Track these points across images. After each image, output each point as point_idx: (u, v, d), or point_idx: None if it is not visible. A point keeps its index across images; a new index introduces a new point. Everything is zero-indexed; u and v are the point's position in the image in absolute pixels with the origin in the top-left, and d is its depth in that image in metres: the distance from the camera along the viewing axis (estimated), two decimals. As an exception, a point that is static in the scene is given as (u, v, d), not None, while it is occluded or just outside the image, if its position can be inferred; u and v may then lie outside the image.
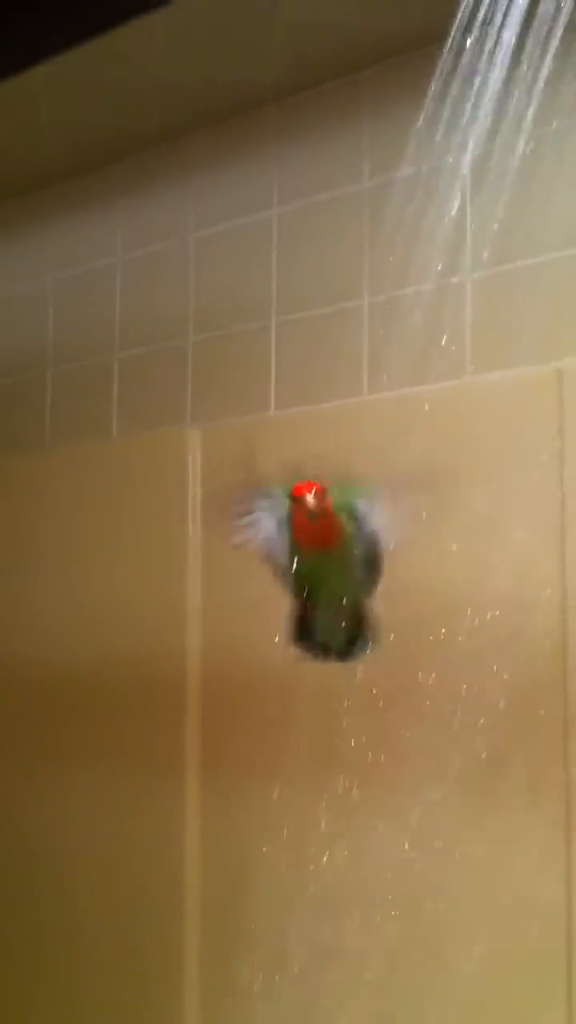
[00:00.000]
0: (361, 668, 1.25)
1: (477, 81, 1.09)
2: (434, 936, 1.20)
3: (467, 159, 1.26)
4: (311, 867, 1.28)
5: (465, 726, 1.17)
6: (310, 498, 0.95)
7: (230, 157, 1.49)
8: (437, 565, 1.22)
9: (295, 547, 1.01)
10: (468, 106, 1.27)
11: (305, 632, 1.09)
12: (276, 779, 1.33)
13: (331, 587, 1.05)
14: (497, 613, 1.17)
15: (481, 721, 1.15)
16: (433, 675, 1.21)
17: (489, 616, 1.17)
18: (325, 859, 1.28)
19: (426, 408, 1.25)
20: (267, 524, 1.02)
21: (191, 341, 1.52)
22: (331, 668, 1.28)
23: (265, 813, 1.34)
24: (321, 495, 0.96)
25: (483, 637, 1.18)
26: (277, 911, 1.31)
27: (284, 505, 0.99)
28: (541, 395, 1.18)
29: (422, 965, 1.20)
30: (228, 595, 1.41)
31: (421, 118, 1.31)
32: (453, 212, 1.27)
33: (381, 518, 1.02)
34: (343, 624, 1.08)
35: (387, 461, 1.28)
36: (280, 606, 1.35)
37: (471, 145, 1.24)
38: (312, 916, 1.28)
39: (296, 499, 0.96)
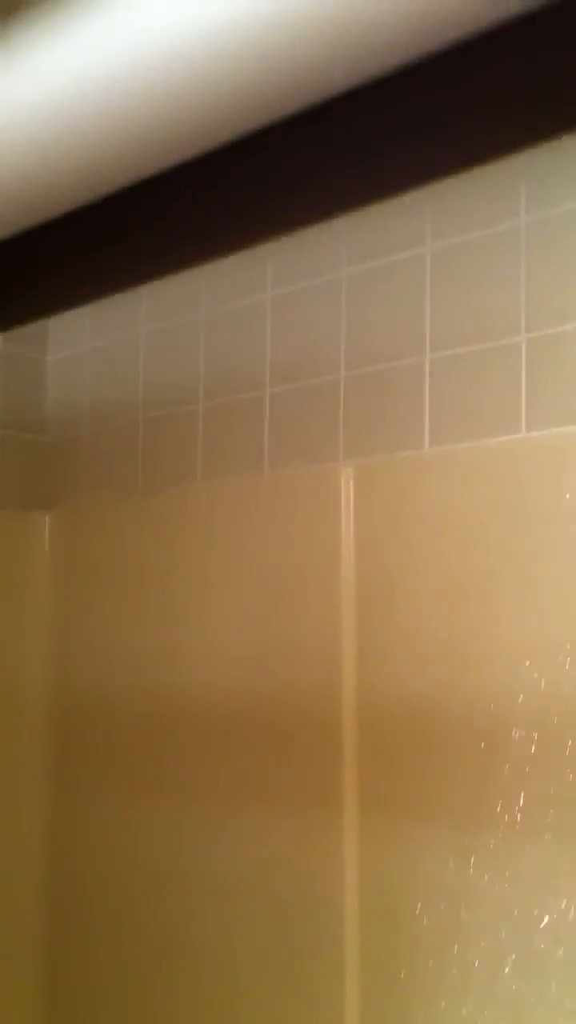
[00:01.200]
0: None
1: None
2: None
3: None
4: (473, 912, 1.27)
5: None
6: None
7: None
8: None
9: None
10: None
11: None
12: (433, 818, 1.32)
13: None
14: None
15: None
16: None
17: None
18: (484, 904, 1.27)
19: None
20: None
21: (343, 377, 1.53)
22: (483, 702, 1.28)
23: (422, 854, 1.33)
24: None
25: None
26: (434, 955, 1.30)
27: None
28: None
29: None
30: (383, 632, 1.41)
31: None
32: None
33: None
34: None
35: (551, 500, 1.26)
36: (437, 641, 1.35)
37: None
38: (475, 960, 1.27)
39: None
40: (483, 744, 1.28)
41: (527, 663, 1.25)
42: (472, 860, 1.28)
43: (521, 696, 1.25)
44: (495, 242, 1.38)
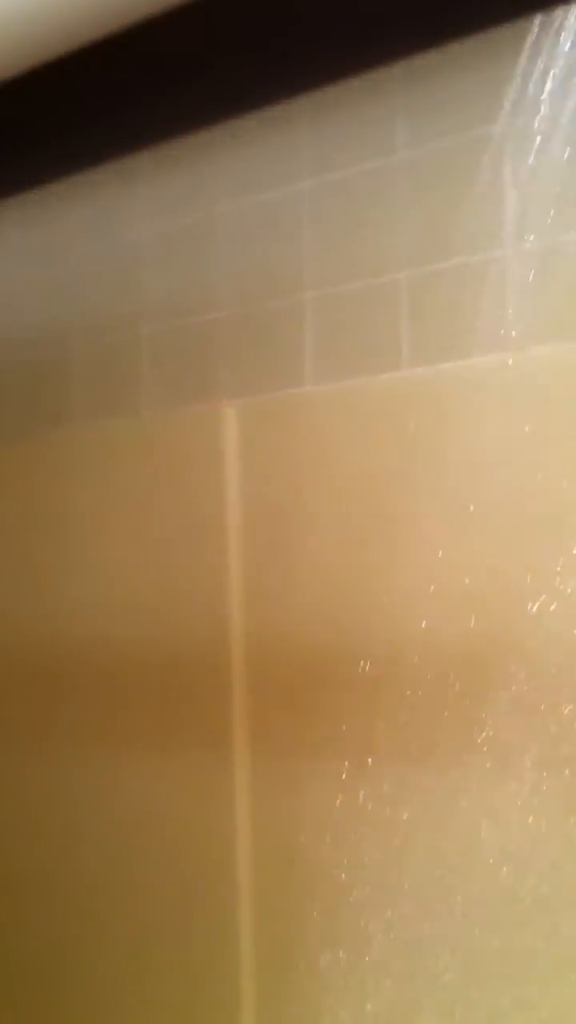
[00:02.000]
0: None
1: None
2: None
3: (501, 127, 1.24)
4: (369, 843, 1.29)
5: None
6: None
7: (258, 128, 1.46)
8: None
9: None
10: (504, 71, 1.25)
11: None
12: (327, 756, 1.33)
13: None
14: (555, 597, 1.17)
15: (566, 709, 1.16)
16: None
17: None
18: (379, 836, 1.29)
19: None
20: None
21: (222, 316, 1.50)
22: (373, 642, 1.29)
23: (313, 792, 1.34)
24: None
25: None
26: (332, 890, 1.32)
27: None
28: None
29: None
30: (271, 573, 1.40)
31: (457, 84, 1.29)
32: (496, 182, 1.25)
33: None
34: None
35: (434, 439, 1.27)
36: (322, 581, 1.35)
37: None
38: (368, 893, 1.30)
39: None
40: (373, 683, 1.29)
41: (416, 602, 1.26)
42: (361, 795, 1.30)
43: (411, 634, 1.26)
44: (373, 178, 1.36)
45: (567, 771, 1.15)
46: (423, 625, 1.25)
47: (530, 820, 1.18)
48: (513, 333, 1.23)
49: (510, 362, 1.22)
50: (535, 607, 1.17)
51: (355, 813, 1.31)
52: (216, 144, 1.50)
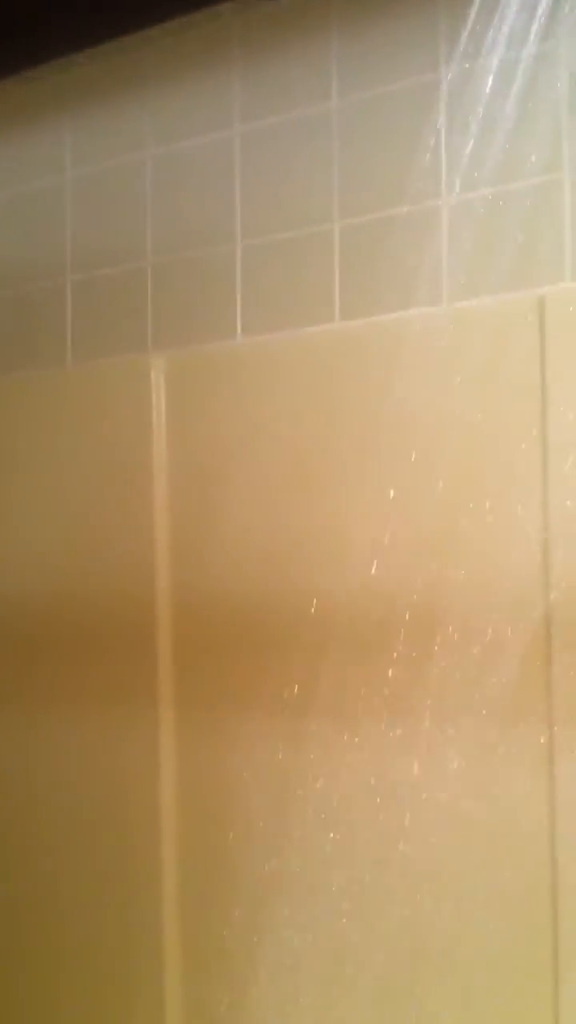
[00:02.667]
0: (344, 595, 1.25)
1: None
2: (427, 859, 1.21)
3: (446, 78, 1.22)
4: (292, 798, 1.29)
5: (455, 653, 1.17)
6: None
7: (189, 70, 1.42)
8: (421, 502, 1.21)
9: None
10: (444, 19, 1.23)
11: None
12: (253, 710, 1.32)
13: None
14: (482, 546, 1.16)
15: (475, 649, 1.16)
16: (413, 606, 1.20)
17: (473, 550, 1.17)
18: (303, 791, 1.29)
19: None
20: None
21: (150, 263, 1.46)
22: (308, 594, 1.28)
23: (238, 748, 1.33)
24: None
25: (464, 570, 1.18)
26: (258, 844, 1.31)
27: None
28: (521, 324, 1.16)
29: (412, 894, 1.22)
30: (198, 529, 1.38)
31: (394, 32, 1.27)
32: (432, 132, 1.23)
33: None
34: None
35: (366, 393, 1.25)
36: (251, 535, 1.33)
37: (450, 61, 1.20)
38: (294, 848, 1.29)
39: None
40: (304, 640, 1.28)
41: (348, 556, 1.25)
42: (281, 749, 1.30)
43: (343, 590, 1.25)
44: (307, 125, 1.34)
45: (521, 724, 1.15)
46: (355, 580, 1.24)
47: (480, 775, 1.18)
48: (448, 285, 1.22)
49: (445, 314, 1.21)
50: (469, 554, 1.17)
51: (282, 770, 1.30)
52: (147, 85, 1.46)
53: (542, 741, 1.14)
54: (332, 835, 1.26)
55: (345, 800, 1.26)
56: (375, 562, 1.23)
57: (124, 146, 1.48)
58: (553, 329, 1.14)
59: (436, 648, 1.19)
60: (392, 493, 1.22)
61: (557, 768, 1.13)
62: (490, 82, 1.20)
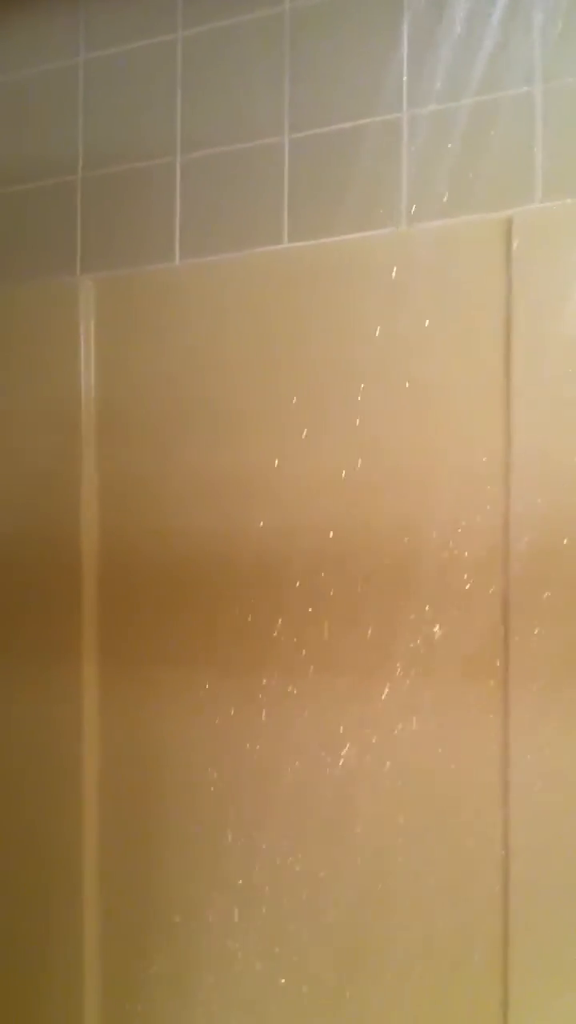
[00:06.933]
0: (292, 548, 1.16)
1: None
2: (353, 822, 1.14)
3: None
4: (225, 754, 1.20)
5: (409, 612, 1.09)
6: None
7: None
8: (377, 428, 1.12)
9: None
10: None
11: None
12: (175, 664, 1.23)
13: None
14: (441, 491, 1.08)
15: (426, 608, 1.07)
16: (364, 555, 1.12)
17: (433, 497, 1.08)
18: (237, 749, 1.20)
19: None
20: None
21: (80, 178, 1.34)
22: (245, 545, 1.19)
23: (166, 698, 1.24)
24: None
25: (427, 510, 1.09)
26: (178, 796, 1.22)
27: None
28: (487, 246, 1.07)
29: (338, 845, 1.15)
30: (125, 467, 1.27)
31: None
32: (393, 43, 1.13)
33: None
34: None
35: (312, 318, 1.16)
36: (188, 474, 1.23)
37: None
38: (215, 801, 1.20)
39: None
40: (241, 591, 1.19)
41: (289, 497, 1.16)
42: (217, 709, 1.21)
43: (287, 532, 1.16)
44: (257, 29, 1.23)
45: (478, 685, 1.08)
46: (302, 523, 1.15)
47: (436, 734, 1.11)
48: (408, 206, 1.13)
49: (404, 237, 1.12)
50: (432, 492, 1.09)
51: (215, 727, 1.21)
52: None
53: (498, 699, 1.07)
54: (262, 794, 1.18)
55: (282, 759, 1.17)
56: (325, 505, 1.14)
57: (54, 52, 1.35)
58: (521, 250, 1.05)
59: (387, 599, 1.11)
60: (350, 425, 1.13)
61: (511, 734, 1.06)
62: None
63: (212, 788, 1.21)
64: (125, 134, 1.31)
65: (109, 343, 1.29)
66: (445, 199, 1.11)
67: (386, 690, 1.11)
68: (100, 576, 1.29)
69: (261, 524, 1.18)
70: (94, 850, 1.29)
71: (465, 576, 1.07)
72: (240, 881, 1.20)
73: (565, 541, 1.03)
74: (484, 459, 1.07)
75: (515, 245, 1.06)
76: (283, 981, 1.18)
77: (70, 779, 1.30)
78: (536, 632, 1.04)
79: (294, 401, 1.17)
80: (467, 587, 1.08)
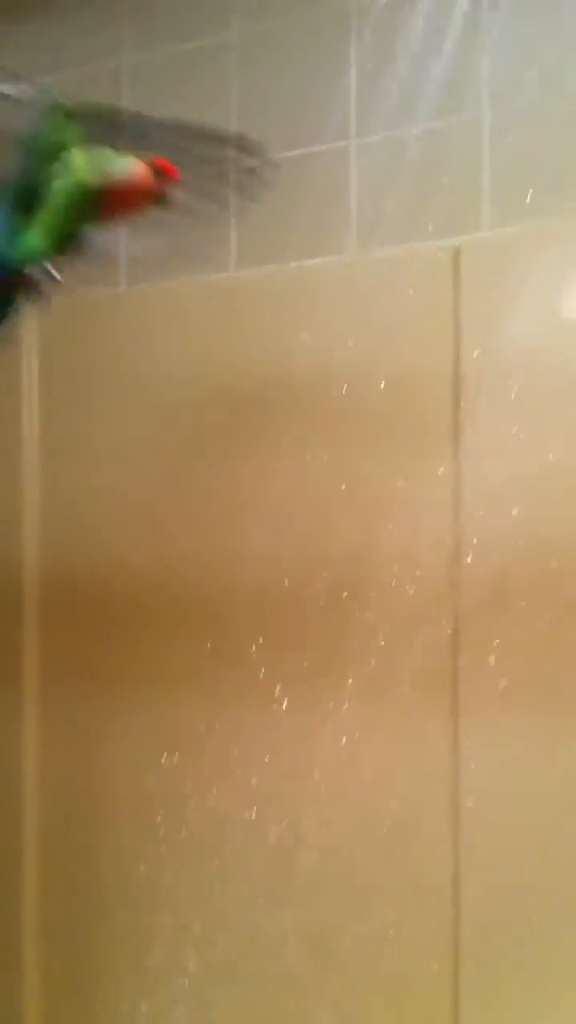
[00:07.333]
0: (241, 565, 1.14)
1: None
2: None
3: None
4: (156, 770, 1.18)
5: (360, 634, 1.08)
6: None
7: None
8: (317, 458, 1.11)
9: None
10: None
11: None
12: (121, 683, 1.21)
13: None
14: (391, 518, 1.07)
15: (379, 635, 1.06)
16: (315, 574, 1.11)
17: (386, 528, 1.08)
18: (167, 760, 1.18)
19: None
20: None
21: None
22: (191, 572, 1.17)
23: (104, 720, 1.22)
24: None
25: (377, 537, 1.09)
26: (118, 816, 1.20)
27: None
28: (435, 274, 1.07)
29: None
30: (68, 495, 1.25)
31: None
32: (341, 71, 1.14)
33: None
34: None
35: (258, 346, 1.15)
36: (133, 502, 1.22)
37: None
38: (157, 816, 1.18)
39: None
40: (186, 616, 1.17)
41: (237, 523, 1.15)
42: (147, 726, 1.19)
43: (233, 558, 1.15)
44: (200, 58, 1.23)
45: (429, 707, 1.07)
46: (248, 550, 1.14)
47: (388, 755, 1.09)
48: (358, 233, 1.13)
49: (353, 264, 1.12)
50: (382, 518, 1.08)
51: (152, 753, 1.19)
52: None
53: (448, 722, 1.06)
54: (207, 822, 1.16)
55: (228, 785, 1.15)
56: (272, 529, 1.13)
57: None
58: (469, 279, 1.06)
59: (335, 626, 1.10)
60: (297, 453, 1.12)
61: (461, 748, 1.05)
62: (400, 21, 1.11)
63: (158, 819, 1.19)
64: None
65: (53, 369, 1.28)
66: (394, 227, 1.11)
67: (336, 713, 1.10)
68: (42, 603, 1.26)
69: (209, 551, 1.16)
70: (33, 876, 1.26)
71: (415, 601, 1.06)
72: (183, 915, 1.17)
73: (514, 565, 1.03)
74: (434, 485, 1.06)
75: (463, 273, 1.06)
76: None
77: (9, 808, 1.27)
78: (485, 657, 1.04)
79: (240, 429, 1.16)
80: (417, 613, 1.07)
